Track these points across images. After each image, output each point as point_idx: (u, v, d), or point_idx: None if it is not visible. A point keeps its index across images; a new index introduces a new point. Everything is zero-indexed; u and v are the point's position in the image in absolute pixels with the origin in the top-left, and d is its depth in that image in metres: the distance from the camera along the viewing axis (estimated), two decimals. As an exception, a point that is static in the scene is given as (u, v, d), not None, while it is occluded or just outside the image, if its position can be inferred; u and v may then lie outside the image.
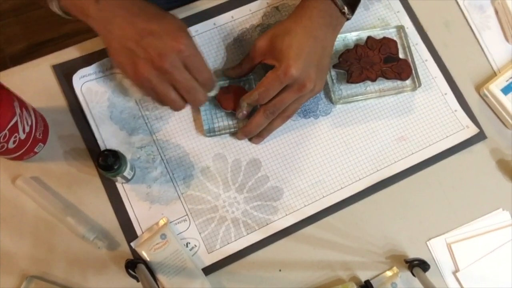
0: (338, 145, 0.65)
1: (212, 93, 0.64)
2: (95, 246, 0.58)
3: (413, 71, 0.67)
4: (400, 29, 0.70)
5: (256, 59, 0.62)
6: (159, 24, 0.53)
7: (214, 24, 0.68)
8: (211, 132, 0.63)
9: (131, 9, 0.54)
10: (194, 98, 0.56)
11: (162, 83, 0.53)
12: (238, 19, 0.69)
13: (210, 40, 0.67)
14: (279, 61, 0.57)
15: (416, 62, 0.68)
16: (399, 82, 0.67)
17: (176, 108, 0.57)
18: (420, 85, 0.67)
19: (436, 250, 0.63)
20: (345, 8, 0.59)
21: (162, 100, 0.56)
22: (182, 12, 0.68)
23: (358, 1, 0.61)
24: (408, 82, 0.68)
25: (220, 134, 0.63)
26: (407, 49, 0.69)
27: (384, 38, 0.68)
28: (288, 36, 0.58)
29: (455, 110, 0.68)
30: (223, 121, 0.64)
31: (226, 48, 0.67)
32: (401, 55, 0.68)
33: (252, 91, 0.59)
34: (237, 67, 0.64)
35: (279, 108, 0.59)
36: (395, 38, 0.69)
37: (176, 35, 0.53)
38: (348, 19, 0.62)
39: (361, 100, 0.67)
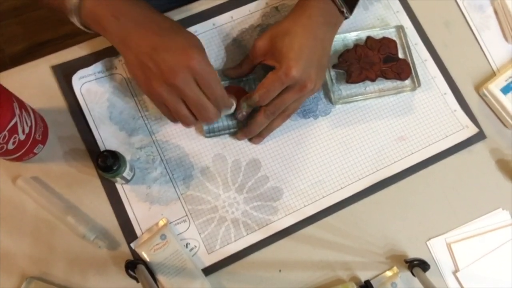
0: (337, 145, 0.65)
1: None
2: (95, 246, 0.58)
3: (413, 71, 0.67)
4: (400, 29, 0.69)
5: (256, 59, 0.62)
6: (174, 39, 0.54)
7: (214, 24, 0.68)
8: (210, 133, 0.63)
9: (148, 24, 0.55)
10: (203, 115, 0.55)
11: (173, 98, 0.54)
12: (238, 19, 0.69)
13: (209, 40, 0.67)
14: (280, 62, 0.57)
15: (416, 62, 0.68)
16: (398, 82, 0.67)
17: (187, 124, 0.57)
18: (419, 85, 0.67)
19: (436, 250, 0.63)
20: (344, 7, 0.60)
21: (173, 115, 0.56)
22: (182, 13, 0.68)
23: (357, 1, 0.61)
24: (407, 82, 0.68)
25: (219, 135, 0.63)
26: (406, 49, 0.68)
27: (384, 38, 0.68)
28: (288, 36, 0.58)
29: (455, 110, 0.68)
30: (222, 121, 0.64)
31: (225, 49, 0.67)
32: (400, 55, 0.68)
33: (252, 93, 0.59)
34: (237, 68, 0.64)
35: (279, 108, 0.59)
36: (394, 38, 0.69)
37: (189, 52, 0.53)
38: (346, 18, 0.62)
39: (361, 100, 0.67)
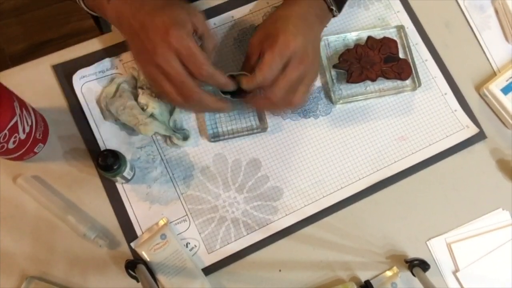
0: (338, 145, 0.65)
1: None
2: (96, 245, 0.58)
3: (413, 71, 0.67)
4: (400, 29, 0.69)
5: (255, 55, 0.59)
6: (153, 18, 0.54)
7: (214, 24, 0.68)
8: (215, 137, 0.63)
9: (133, 4, 0.56)
10: (184, 92, 0.55)
11: (158, 76, 0.54)
12: (238, 18, 0.69)
13: (210, 40, 0.67)
14: (277, 39, 0.55)
15: (416, 62, 0.68)
16: (399, 82, 0.67)
17: (174, 101, 0.56)
18: (420, 85, 0.67)
19: (436, 250, 0.63)
20: (333, 5, 0.61)
21: (160, 93, 0.57)
22: (182, 12, 0.68)
23: (345, 1, 0.63)
24: (408, 82, 0.68)
25: (224, 139, 0.63)
26: (407, 49, 0.68)
27: (384, 38, 0.68)
28: (280, 20, 0.58)
29: (455, 110, 0.68)
30: (227, 126, 0.64)
31: (226, 48, 0.67)
32: (401, 55, 0.68)
33: (253, 76, 0.56)
34: (249, 78, 0.57)
35: (284, 89, 0.56)
36: (395, 38, 0.69)
37: (169, 29, 0.52)
38: (334, 16, 0.63)
39: (361, 100, 0.67)
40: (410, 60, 0.68)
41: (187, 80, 0.54)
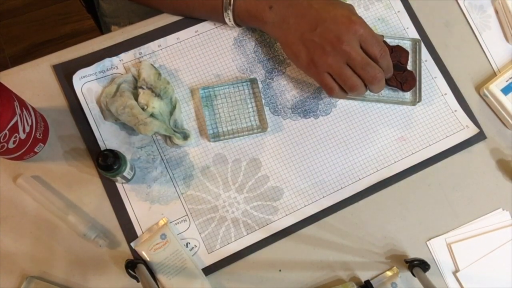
0: (338, 145, 0.65)
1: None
2: (96, 245, 0.58)
3: (417, 85, 0.66)
4: (416, 42, 0.69)
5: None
6: (331, 11, 0.58)
7: (214, 24, 0.68)
8: (215, 137, 0.63)
9: (300, 4, 0.59)
10: (369, 74, 0.58)
11: (339, 64, 0.57)
12: (238, 19, 0.69)
13: (210, 40, 0.67)
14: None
15: (420, 70, 0.67)
16: (400, 93, 0.67)
17: (357, 88, 0.59)
18: (420, 100, 0.66)
19: (436, 250, 0.63)
20: None
21: (343, 82, 0.58)
22: (182, 12, 0.68)
23: None
24: (408, 95, 0.67)
25: (224, 139, 0.63)
26: (417, 64, 0.68)
27: (398, 45, 0.66)
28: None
29: (455, 110, 0.68)
30: (227, 126, 0.64)
31: (226, 49, 0.67)
32: (409, 68, 0.67)
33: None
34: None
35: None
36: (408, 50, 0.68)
37: (350, 17, 0.57)
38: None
39: (359, 100, 0.67)
40: (416, 75, 0.67)
41: (372, 62, 0.58)
